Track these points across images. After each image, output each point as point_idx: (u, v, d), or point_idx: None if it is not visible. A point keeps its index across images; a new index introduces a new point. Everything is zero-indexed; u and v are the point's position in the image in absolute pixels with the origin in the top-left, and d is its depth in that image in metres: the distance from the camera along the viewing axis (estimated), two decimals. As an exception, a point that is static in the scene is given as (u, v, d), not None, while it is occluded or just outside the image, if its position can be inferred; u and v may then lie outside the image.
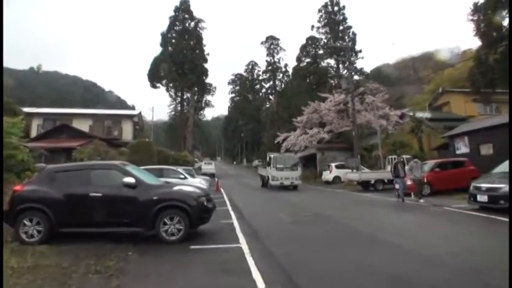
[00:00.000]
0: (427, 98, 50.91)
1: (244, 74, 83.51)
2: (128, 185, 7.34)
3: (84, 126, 35.11)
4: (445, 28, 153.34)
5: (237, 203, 15.10)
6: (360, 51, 46.45)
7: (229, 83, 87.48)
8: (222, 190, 22.65)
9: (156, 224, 7.21)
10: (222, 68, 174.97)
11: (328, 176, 28.21)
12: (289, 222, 9.92)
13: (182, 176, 16.79)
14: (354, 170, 26.42)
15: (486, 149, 21.71)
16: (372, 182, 20.93)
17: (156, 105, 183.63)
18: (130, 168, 8.04)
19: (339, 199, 17.20)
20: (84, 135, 24.46)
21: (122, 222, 7.31)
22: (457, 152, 23.79)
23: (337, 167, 28.31)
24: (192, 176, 20.40)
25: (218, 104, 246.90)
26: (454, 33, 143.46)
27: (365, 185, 21.62)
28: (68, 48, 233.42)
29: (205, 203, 7.67)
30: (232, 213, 11.81)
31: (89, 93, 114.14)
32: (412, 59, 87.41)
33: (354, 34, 48.48)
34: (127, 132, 37.86)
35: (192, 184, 8.47)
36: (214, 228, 8.62)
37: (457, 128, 25.61)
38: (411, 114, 34.59)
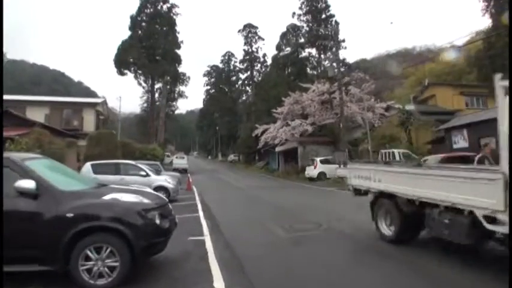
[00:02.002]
0: (408, 92, 49.64)
1: (220, 65, 80.00)
2: (24, 193, 4.30)
3: (39, 115, 30.98)
4: (421, 25, 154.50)
5: (211, 206, 12.20)
6: (343, 40, 44.16)
7: (204, 75, 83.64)
8: (195, 188, 19.67)
9: (71, 258, 4.23)
10: (197, 61, 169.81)
11: (312, 172, 25.64)
12: (287, 240, 6.98)
13: (143, 173, 13.71)
14: (342, 166, 24.09)
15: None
16: (365, 179, 18.41)
17: (128, 97, 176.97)
18: (36, 164, 4.93)
19: (334, 201, 14.55)
20: (26, 123, 20.70)
21: (16, 256, 4.26)
22: (454, 146, 21.73)
23: (322, 162, 25.80)
24: (158, 172, 17.30)
25: (193, 98, 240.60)
26: (428, 31, 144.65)
27: (356, 183, 19.13)
28: (35, 36, 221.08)
29: (157, 221, 4.73)
30: (204, 222, 8.90)
31: (57, 84, 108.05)
32: (387, 55, 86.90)
33: (337, 23, 46.14)
34: (89, 122, 33.95)
35: (140, 189, 5.53)
36: (174, 254, 5.72)
37: (454, 120, 23.62)
38: (398, 106, 32.66)
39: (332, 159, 26.11)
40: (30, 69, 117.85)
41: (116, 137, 27.06)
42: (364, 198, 14.66)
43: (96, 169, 13.83)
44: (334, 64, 26.90)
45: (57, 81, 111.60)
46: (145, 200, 4.95)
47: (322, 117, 32.48)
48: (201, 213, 10.49)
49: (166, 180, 13.98)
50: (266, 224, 8.60)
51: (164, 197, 5.72)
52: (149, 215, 4.66)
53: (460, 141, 21.57)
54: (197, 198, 15.19)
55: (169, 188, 13.73)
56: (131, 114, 73.21)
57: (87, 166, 13.96)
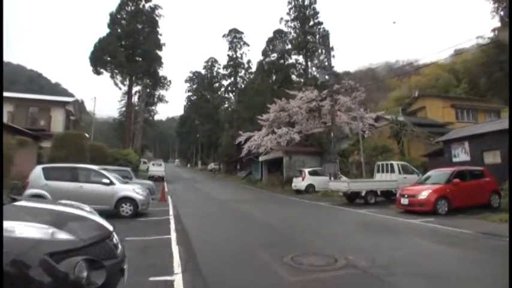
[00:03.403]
0: (392, 105, 48.80)
1: (203, 71, 77.73)
2: None
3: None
4: (403, 40, 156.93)
5: (186, 224, 9.91)
6: (332, 48, 42.65)
7: (186, 81, 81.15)
8: (170, 200, 17.28)
9: None
10: (179, 67, 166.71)
11: (300, 183, 23.60)
12: None
13: (106, 181, 11.31)
14: (332, 178, 22.21)
15: (492, 157, 18.11)
16: (363, 193, 16.48)
17: (109, 101, 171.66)
18: None
19: (334, 219, 12.49)
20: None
21: None
22: (454, 159, 20.13)
23: (310, 173, 23.82)
24: (127, 180, 14.88)
25: (174, 105, 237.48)
26: (411, 45, 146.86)
27: (352, 197, 17.22)
28: (12, 33, 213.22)
29: (79, 274, 2.51)
30: (175, 250, 6.64)
31: (33, 84, 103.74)
32: (369, 69, 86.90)
33: (326, 31, 44.73)
34: (57, 123, 30.97)
35: (73, 209, 3.30)
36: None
37: (453, 131, 22.17)
38: (388, 117, 31.26)
39: (321, 171, 24.22)
40: (5, 68, 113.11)
41: (84, 139, 24.32)
42: (366, 218, 12.71)
43: (49, 174, 11.39)
44: (325, 69, 25.06)
45: (34, 82, 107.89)
46: (63, 235, 2.72)
47: (309, 125, 30.70)
48: (173, 235, 8.20)
49: (134, 190, 11.60)
50: (260, 254, 6.39)
51: (109, 226, 3.45)
52: (62, 265, 2.45)
53: (461, 154, 19.99)
54: (171, 211, 12.85)
55: (137, 199, 11.40)
56: (110, 118, 70.02)
57: (37, 170, 11.47)
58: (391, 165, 18.46)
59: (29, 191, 11.05)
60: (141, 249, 6.58)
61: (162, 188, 17.68)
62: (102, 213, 10.54)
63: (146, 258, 6.02)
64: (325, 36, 26.92)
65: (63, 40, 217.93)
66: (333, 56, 44.78)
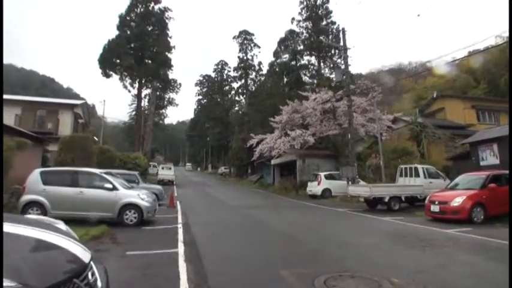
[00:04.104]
0: (407, 107, 47.28)
1: (213, 74, 77.04)
2: None
3: (9, 115, 27.54)
4: (415, 42, 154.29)
5: (196, 235, 8.87)
6: (348, 48, 41.28)
7: (196, 85, 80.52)
8: (179, 205, 16.29)
9: None
10: (189, 71, 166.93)
11: (315, 188, 22.44)
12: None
13: (109, 186, 10.35)
14: (350, 182, 21.00)
15: (524, 161, 16.76)
16: (386, 199, 15.25)
17: (121, 105, 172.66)
18: None
19: (359, 228, 11.30)
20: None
21: None
22: (482, 163, 18.77)
23: (326, 177, 22.65)
24: (133, 184, 13.95)
25: (185, 109, 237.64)
26: (421, 48, 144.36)
27: (373, 203, 16.01)
28: (25, 40, 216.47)
29: None
30: (183, 269, 5.58)
31: (46, 89, 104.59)
32: (381, 71, 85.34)
33: (338, 31, 43.40)
34: (65, 125, 30.43)
35: (38, 232, 2.33)
36: None
37: (479, 133, 20.79)
38: (406, 119, 29.92)
39: (338, 175, 23.03)
40: (18, 74, 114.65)
41: (91, 142, 23.58)
42: (395, 227, 11.47)
43: (48, 178, 10.52)
44: (342, 67, 23.88)
45: (46, 87, 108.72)
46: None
47: (323, 128, 29.47)
48: (180, 248, 7.14)
49: (139, 195, 10.61)
50: (284, 275, 5.29)
51: (84, 256, 2.37)
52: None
53: (490, 157, 18.63)
54: (180, 219, 11.83)
55: (142, 205, 10.41)
56: (121, 122, 70.02)
57: (35, 174, 10.59)
58: (416, 169, 17.16)
59: (26, 197, 10.19)
60: (141, 268, 5.56)
61: (170, 193, 16.66)
62: (105, 221, 9.61)
63: (146, 281, 4.98)
64: (342, 32, 25.59)
65: (76, 45, 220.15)
66: (350, 57, 43.98)
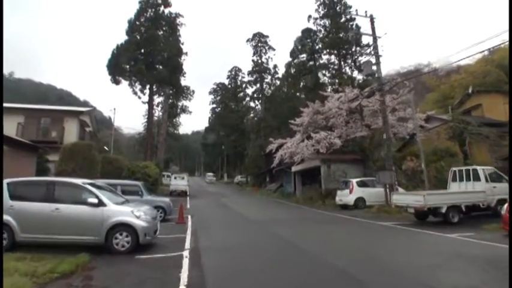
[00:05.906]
0: (433, 107, 44.13)
1: (227, 81, 75.10)
2: None
3: (11, 124, 25.74)
4: (434, 41, 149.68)
5: (207, 272, 6.21)
6: (367, 45, 38.62)
7: (210, 93, 78.69)
8: (189, 221, 13.71)
9: None
10: (203, 81, 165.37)
11: (346, 197, 19.57)
12: None
13: (93, 201, 7.83)
14: (388, 189, 18.10)
15: None
16: (443, 209, 12.31)
17: (137, 117, 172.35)
18: None
19: (428, 253, 8.32)
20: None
21: None
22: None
23: (359, 184, 19.78)
24: (136, 197, 11.50)
25: (200, 118, 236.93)
26: (443, 47, 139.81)
27: (424, 214, 13.11)
28: (42, 55, 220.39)
29: None
30: None
31: (63, 103, 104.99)
32: (398, 73, 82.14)
33: (358, 27, 40.67)
34: (71, 134, 28.41)
35: None
36: None
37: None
38: (444, 116, 26.86)
39: (371, 181, 20.17)
40: (36, 89, 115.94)
41: (94, 150, 21.46)
42: (471, 249, 8.18)
43: (16, 191, 8.09)
44: (373, 60, 21.09)
45: (63, 101, 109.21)
46: None
47: (349, 129, 26.57)
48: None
49: (133, 212, 8.05)
50: None
51: None
52: None
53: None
54: (188, 242, 9.20)
55: (137, 226, 7.85)
56: (136, 133, 69.06)
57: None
58: (475, 171, 14.08)
59: (-13, 217, 7.74)
60: None
61: (180, 207, 14.07)
62: (89, 247, 7.08)
63: None
64: (370, 20, 22.89)
65: (92, 58, 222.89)
66: (371, 54, 41.13)
